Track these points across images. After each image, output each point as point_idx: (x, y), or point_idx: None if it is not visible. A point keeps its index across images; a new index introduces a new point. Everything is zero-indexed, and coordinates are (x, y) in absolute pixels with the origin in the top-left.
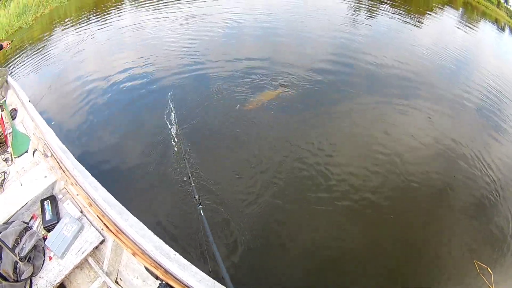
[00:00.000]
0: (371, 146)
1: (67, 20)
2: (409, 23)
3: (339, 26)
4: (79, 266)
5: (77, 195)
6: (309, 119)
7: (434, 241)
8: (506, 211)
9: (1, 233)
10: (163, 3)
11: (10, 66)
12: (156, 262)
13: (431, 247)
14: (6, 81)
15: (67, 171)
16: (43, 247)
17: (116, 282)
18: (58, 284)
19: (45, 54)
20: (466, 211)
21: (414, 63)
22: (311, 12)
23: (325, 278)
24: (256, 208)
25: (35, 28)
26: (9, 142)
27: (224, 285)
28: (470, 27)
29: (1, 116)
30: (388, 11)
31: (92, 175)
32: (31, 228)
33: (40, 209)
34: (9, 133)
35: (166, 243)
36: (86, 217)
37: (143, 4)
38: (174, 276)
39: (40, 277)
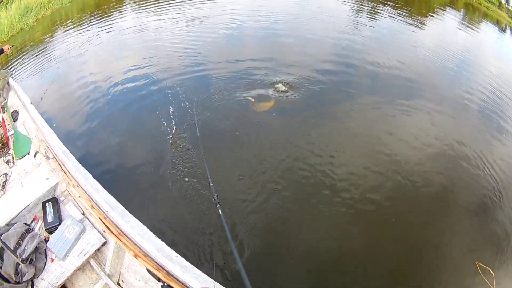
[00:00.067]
0: (372, 147)
1: (68, 21)
2: (411, 24)
3: (342, 27)
4: (81, 268)
5: (79, 197)
6: (310, 119)
7: (435, 241)
8: (508, 212)
9: (3, 235)
10: (164, 4)
11: (12, 68)
12: (158, 264)
13: (432, 247)
14: (8, 82)
15: (69, 173)
16: (45, 249)
17: (118, 284)
18: (60, 286)
19: (47, 55)
20: (468, 212)
21: (416, 64)
22: (314, 14)
23: (326, 279)
24: (257, 208)
25: (37, 30)
26: (11, 144)
27: (225, 287)
28: (472, 28)
29: (3, 118)
30: (390, 13)
31: (94, 177)
32: (32, 230)
33: (42, 211)
34: (11, 135)
35: (168, 245)
36: (88, 219)
37: (144, 6)
38: (176, 278)
39: (42, 279)
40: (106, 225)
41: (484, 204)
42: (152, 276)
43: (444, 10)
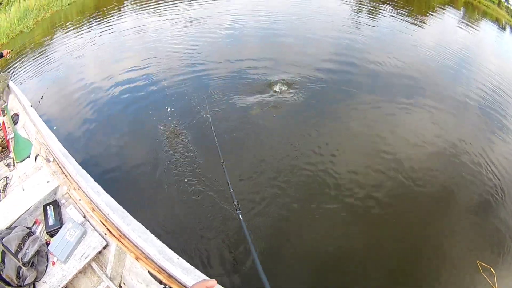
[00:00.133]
0: (373, 146)
1: (68, 23)
2: (412, 23)
3: (342, 27)
4: (83, 271)
5: (80, 200)
6: (310, 120)
7: (435, 240)
8: (510, 210)
9: (4, 238)
10: (164, 5)
11: (11, 71)
12: (159, 266)
13: (433, 247)
14: (8, 85)
15: (70, 176)
16: (46, 252)
17: (120, 286)
18: None
19: (47, 58)
20: (469, 210)
21: (417, 63)
22: (314, 13)
23: (326, 279)
24: (257, 209)
25: (36, 32)
26: (11, 147)
27: None
28: (472, 27)
29: (3, 121)
30: (391, 12)
31: (95, 179)
32: (34, 233)
33: (43, 214)
34: (11, 138)
35: (169, 247)
36: (89, 222)
37: (144, 8)
38: (177, 281)
39: (43, 282)
40: (107, 228)
41: (485, 202)
42: (154, 278)
43: (444, 9)
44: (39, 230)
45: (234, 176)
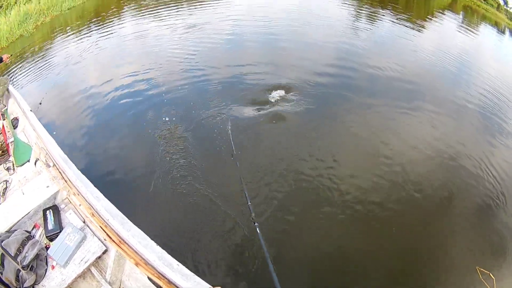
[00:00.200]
0: (373, 149)
1: (68, 28)
2: (411, 28)
3: (342, 32)
4: (82, 276)
5: (80, 205)
6: (310, 123)
7: (435, 246)
8: (510, 216)
9: (4, 242)
10: (164, 10)
11: (11, 75)
12: (159, 272)
13: (433, 251)
14: (7, 90)
15: (69, 181)
16: (46, 256)
17: None
18: None
19: (46, 62)
20: (469, 215)
21: (416, 68)
22: (314, 19)
23: (326, 279)
24: (257, 210)
25: (36, 36)
26: (11, 151)
27: None
28: (471, 31)
29: (3, 125)
30: (390, 17)
31: (94, 184)
32: (33, 237)
33: (42, 218)
34: (11, 142)
35: (168, 253)
36: (89, 227)
37: (143, 13)
38: (177, 286)
39: (42, 286)
40: (106, 233)
41: (485, 207)
42: (153, 284)
43: (443, 14)
44: (39, 234)
45: (234, 176)
